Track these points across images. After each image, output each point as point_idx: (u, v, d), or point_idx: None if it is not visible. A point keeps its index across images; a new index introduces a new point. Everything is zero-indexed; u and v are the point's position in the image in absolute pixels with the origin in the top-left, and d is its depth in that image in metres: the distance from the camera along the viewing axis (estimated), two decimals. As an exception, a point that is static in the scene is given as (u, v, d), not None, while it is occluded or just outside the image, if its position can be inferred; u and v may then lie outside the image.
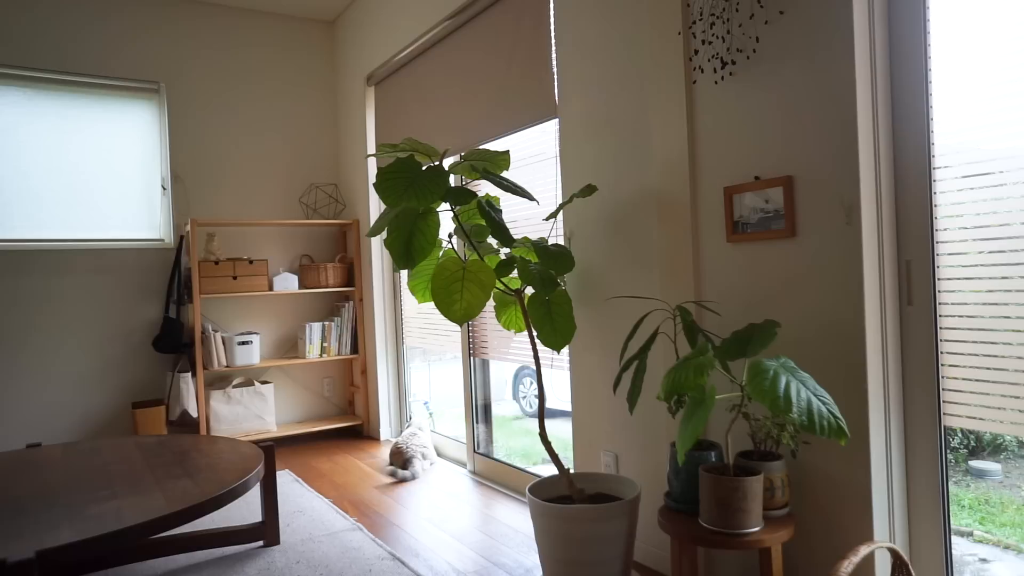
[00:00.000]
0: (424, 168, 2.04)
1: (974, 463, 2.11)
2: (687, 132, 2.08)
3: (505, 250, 2.53)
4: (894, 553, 1.34)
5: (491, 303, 3.21)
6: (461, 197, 2.10)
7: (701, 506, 1.68)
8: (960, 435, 2.11)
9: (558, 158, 2.72)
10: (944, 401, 1.67)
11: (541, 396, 2.17)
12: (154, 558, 2.43)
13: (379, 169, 2.04)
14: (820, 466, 1.80)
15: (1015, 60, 1.51)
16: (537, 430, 2.16)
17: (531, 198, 2.16)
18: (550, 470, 3.26)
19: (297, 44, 4.57)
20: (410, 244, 2.08)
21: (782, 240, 1.86)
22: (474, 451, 3.52)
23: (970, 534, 1.99)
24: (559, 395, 5.41)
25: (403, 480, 3.39)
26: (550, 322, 2.17)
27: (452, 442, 3.78)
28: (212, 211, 4.27)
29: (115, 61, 4.00)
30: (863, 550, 1.25)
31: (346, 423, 4.42)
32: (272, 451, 2.49)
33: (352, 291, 4.47)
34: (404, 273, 4.27)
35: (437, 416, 4.68)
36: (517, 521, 2.78)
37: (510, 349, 3.18)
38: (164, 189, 4.14)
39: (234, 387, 4.10)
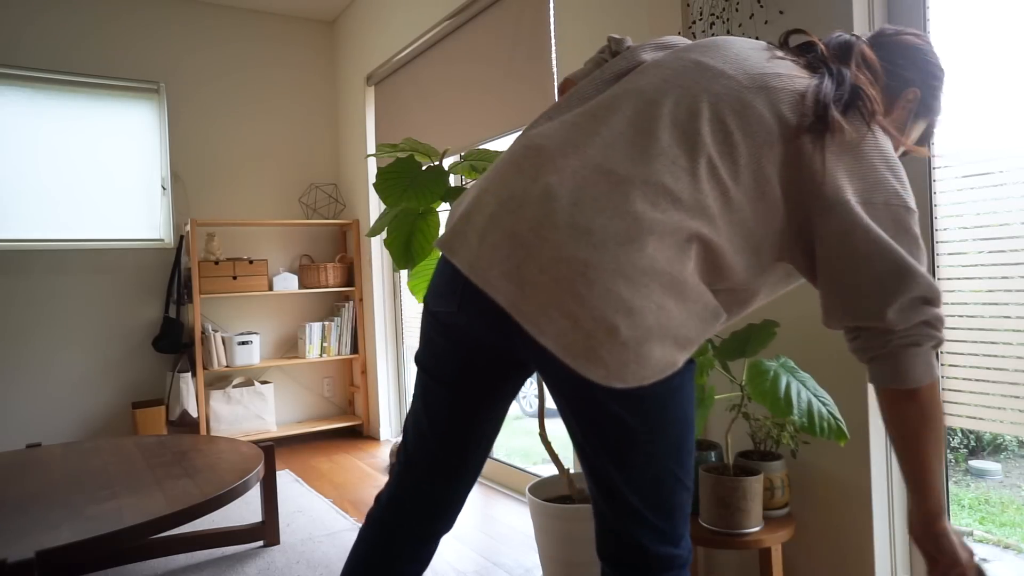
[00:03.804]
0: (424, 168, 2.04)
1: (974, 463, 2.11)
2: (687, 132, 2.08)
3: (505, 250, 2.52)
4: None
5: (491, 303, 3.20)
6: (461, 197, 2.10)
7: (701, 506, 1.68)
8: (960, 435, 2.10)
9: (558, 158, 2.72)
10: (944, 401, 1.67)
11: (541, 396, 2.17)
12: (154, 558, 2.43)
13: (379, 169, 2.04)
14: (820, 466, 1.80)
15: (1015, 60, 1.51)
16: (537, 430, 2.16)
17: (531, 198, 2.16)
18: (550, 470, 3.26)
19: (297, 44, 4.57)
20: (410, 244, 2.08)
21: (782, 240, 1.86)
22: (474, 451, 3.52)
23: (970, 534, 1.99)
24: (559, 395, 5.39)
25: None
26: (550, 322, 2.16)
27: (452, 442, 3.78)
28: (212, 211, 4.27)
29: (115, 61, 4.00)
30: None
31: (346, 423, 4.42)
32: (272, 451, 2.49)
33: (352, 291, 4.47)
34: (404, 273, 4.27)
35: (437, 416, 4.67)
36: (517, 521, 2.78)
37: (510, 349, 3.18)
38: (164, 189, 4.14)
39: (234, 387, 4.10)
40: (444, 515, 1.16)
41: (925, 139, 1.17)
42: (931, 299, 0.91)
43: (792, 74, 0.99)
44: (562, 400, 0.99)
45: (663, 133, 0.94)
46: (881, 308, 0.91)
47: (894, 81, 1.09)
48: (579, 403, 0.95)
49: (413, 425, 1.16)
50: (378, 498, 1.20)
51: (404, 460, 1.17)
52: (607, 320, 0.86)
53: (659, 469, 0.96)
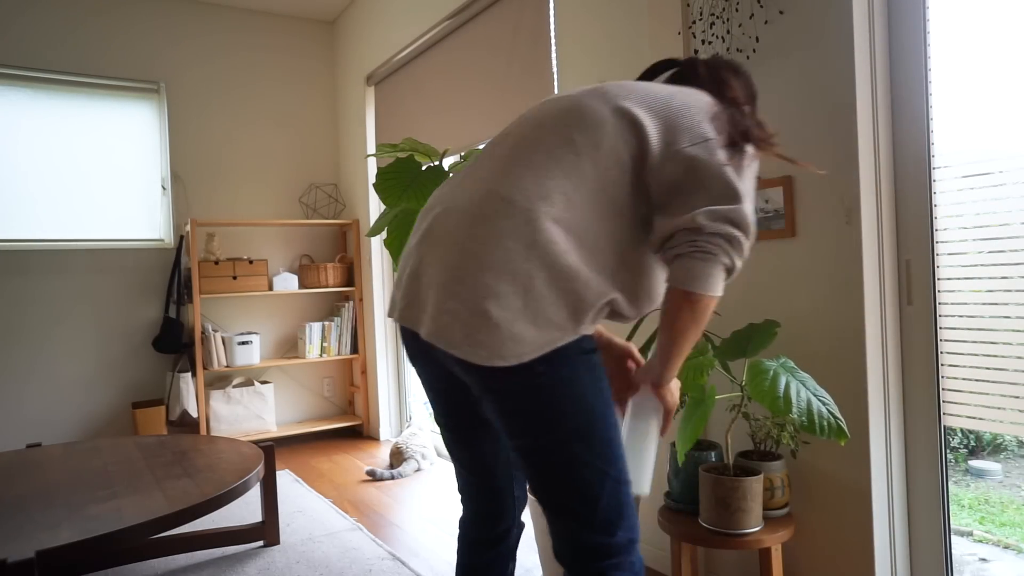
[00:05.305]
0: (424, 168, 2.04)
1: (974, 463, 2.11)
2: (687, 132, 2.08)
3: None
4: None
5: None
6: (461, 197, 2.10)
7: (701, 506, 1.68)
8: (960, 435, 2.10)
9: (558, 158, 2.72)
10: (944, 401, 1.67)
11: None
12: (154, 558, 2.43)
13: (379, 169, 2.04)
14: (820, 466, 1.80)
15: (1015, 60, 1.51)
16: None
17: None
18: (550, 470, 3.25)
19: (297, 44, 4.57)
20: (410, 244, 2.07)
21: (782, 240, 1.86)
22: (474, 451, 3.51)
23: (970, 534, 1.99)
24: (559, 395, 5.38)
25: (381, 479, 3.40)
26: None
27: (452, 442, 3.77)
28: (212, 211, 4.27)
29: (115, 61, 4.00)
30: None
31: (346, 423, 4.42)
32: (272, 451, 2.49)
33: (352, 291, 4.47)
34: (404, 273, 4.26)
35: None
36: (517, 521, 2.78)
37: (510, 349, 3.17)
38: (164, 189, 4.14)
39: (234, 387, 4.10)
40: (502, 520, 1.32)
41: None
42: (737, 222, 1.05)
43: (636, 86, 1.15)
44: (483, 401, 1.10)
45: (520, 150, 1.11)
46: (691, 214, 1.05)
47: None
48: (488, 400, 1.08)
49: (451, 458, 1.34)
50: (460, 518, 1.39)
51: (458, 486, 1.36)
52: (479, 307, 1.00)
53: (570, 459, 1.05)
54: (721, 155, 1.07)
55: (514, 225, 1.02)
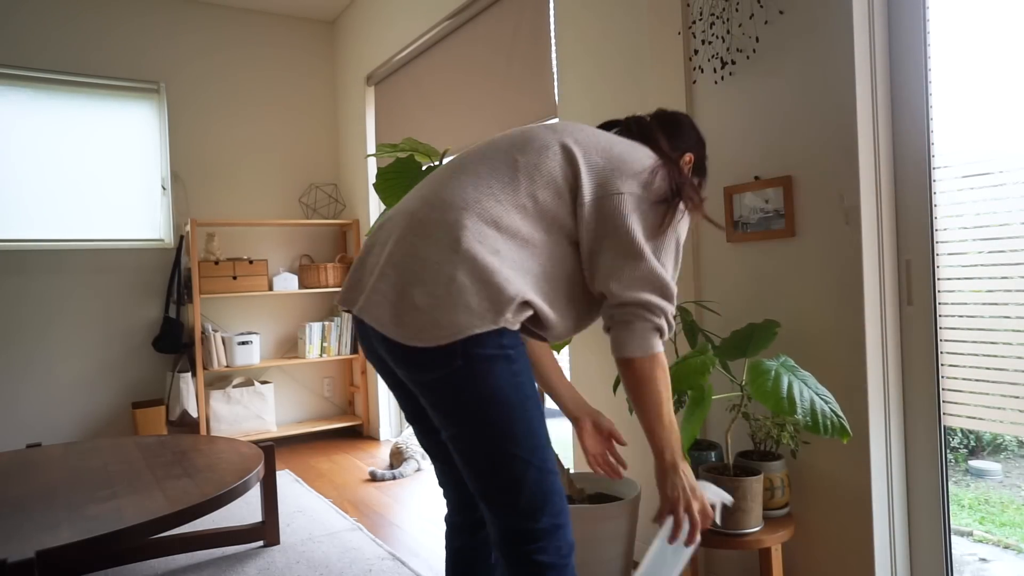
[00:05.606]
0: (424, 168, 2.04)
1: (974, 463, 2.11)
2: (687, 132, 2.08)
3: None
4: None
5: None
6: (461, 197, 2.10)
7: (701, 506, 1.68)
8: (960, 435, 2.10)
9: (558, 158, 2.72)
10: (944, 401, 1.67)
11: (541, 396, 2.16)
12: (154, 558, 2.43)
13: (379, 169, 2.04)
14: (820, 466, 1.80)
15: (1015, 60, 1.51)
16: (537, 430, 2.15)
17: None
18: (550, 470, 3.25)
19: (297, 44, 4.57)
20: (410, 244, 2.07)
21: (782, 240, 1.86)
22: (474, 451, 3.51)
23: (970, 534, 1.99)
24: (559, 395, 5.38)
25: (382, 479, 3.39)
26: (550, 322, 2.17)
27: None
28: (212, 211, 4.27)
29: (115, 61, 4.00)
30: None
31: (346, 423, 4.42)
32: (272, 451, 2.49)
33: (352, 291, 4.46)
34: (404, 273, 4.26)
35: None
36: (517, 521, 2.77)
37: (510, 349, 3.18)
38: (164, 189, 4.14)
39: (234, 387, 4.10)
40: (475, 508, 1.36)
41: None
42: (655, 286, 1.13)
43: (585, 130, 1.24)
44: (414, 390, 1.16)
45: (467, 163, 1.22)
46: (606, 280, 1.15)
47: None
48: (417, 393, 1.15)
49: (423, 448, 1.40)
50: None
51: (436, 477, 1.41)
52: (406, 292, 1.10)
53: (491, 449, 1.11)
54: (639, 212, 1.15)
55: (446, 222, 1.12)
